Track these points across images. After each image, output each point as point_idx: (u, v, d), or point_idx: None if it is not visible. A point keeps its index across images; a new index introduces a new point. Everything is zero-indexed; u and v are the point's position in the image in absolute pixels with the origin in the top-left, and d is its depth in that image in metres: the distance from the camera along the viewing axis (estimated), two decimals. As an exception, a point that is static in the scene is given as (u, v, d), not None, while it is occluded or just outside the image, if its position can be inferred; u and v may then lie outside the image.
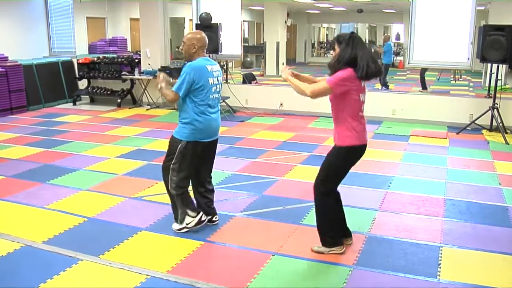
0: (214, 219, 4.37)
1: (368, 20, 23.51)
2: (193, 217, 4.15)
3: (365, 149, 3.69)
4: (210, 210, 4.35)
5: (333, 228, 3.82)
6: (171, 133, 4.18)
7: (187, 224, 4.16)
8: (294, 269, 3.63)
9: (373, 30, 25.94)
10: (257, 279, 3.46)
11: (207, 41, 4.16)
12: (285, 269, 3.62)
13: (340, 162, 3.69)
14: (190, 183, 4.27)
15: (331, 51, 3.74)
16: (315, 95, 3.58)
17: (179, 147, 4.03)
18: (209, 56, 9.69)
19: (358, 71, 3.49)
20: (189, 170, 4.11)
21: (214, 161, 4.40)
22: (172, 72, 8.84)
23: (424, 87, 12.35)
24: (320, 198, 3.75)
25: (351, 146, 3.61)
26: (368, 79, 3.59)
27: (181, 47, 4.16)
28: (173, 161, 4.06)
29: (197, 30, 4.25)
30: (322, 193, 3.74)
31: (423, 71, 12.25)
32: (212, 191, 4.41)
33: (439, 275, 3.51)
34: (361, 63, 3.48)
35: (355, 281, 3.45)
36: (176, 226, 4.23)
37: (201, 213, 4.21)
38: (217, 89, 4.11)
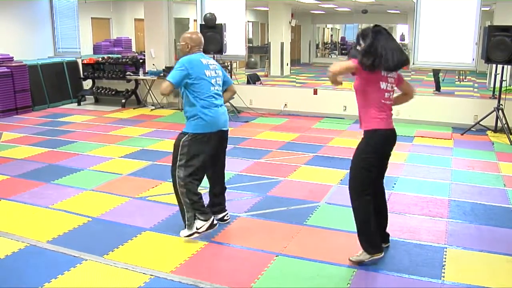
0: (225, 217, 4.42)
1: (373, 20, 23.29)
2: (204, 220, 4.03)
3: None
4: (221, 209, 4.40)
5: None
6: (175, 133, 4.19)
7: (198, 229, 4.03)
8: (298, 269, 3.63)
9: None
10: (261, 280, 3.46)
11: (202, 41, 4.21)
12: (289, 270, 3.62)
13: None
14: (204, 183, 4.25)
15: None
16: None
17: (182, 139, 4.01)
18: (214, 57, 9.71)
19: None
20: (197, 165, 3.98)
21: (224, 156, 4.39)
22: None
23: (438, 87, 12.23)
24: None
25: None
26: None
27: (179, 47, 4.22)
28: (179, 158, 4.00)
29: (193, 30, 4.28)
30: None
31: (436, 72, 12.12)
32: (224, 188, 4.44)
33: (443, 277, 3.50)
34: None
35: (359, 282, 3.45)
36: (185, 232, 4.09)
37: (212, 217, 4.12)
38: (217, 82, 4.13)
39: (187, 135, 4.02)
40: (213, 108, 4.03)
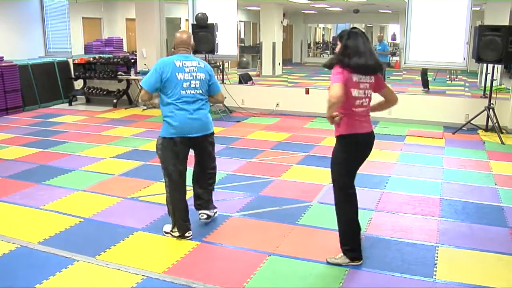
0: (210, 213, 4.40)
1: (364, 20, 23.55)
2: (177, 229, 4.07)
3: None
4: (205, 205, 4.36)
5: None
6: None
7: (173, 232, 4.09)
8: (290, 269, 3.63)
9: (370, 31, 25.98)
10: (253, 280, 3.46)
11: (187, 40, 4.08)
12: (282, 270, 3.62)
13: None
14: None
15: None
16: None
17: (156, 143, 4.05)
18: (205, 57, 9.62)
19: None
20: (171, 172, 3.96)
21: (209, 160, 4.32)
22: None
23: (425, 85, 12.34)
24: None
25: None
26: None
27: None
28: (160, 162, 4.05)
29: (181, 30, 4.24)
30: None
31: (424, 71, 12.24)
32: (209, 190, 4.37)
33: (435, 275, 3.52)
34: None
35: (352, 281, 3.45)
36: (167, 227, 4.16)
37: (189, 232, 4.06)
38: (191, 85, 3.94)
39: (158, 139, 4.05)
40: (180, 112, 3.91)
